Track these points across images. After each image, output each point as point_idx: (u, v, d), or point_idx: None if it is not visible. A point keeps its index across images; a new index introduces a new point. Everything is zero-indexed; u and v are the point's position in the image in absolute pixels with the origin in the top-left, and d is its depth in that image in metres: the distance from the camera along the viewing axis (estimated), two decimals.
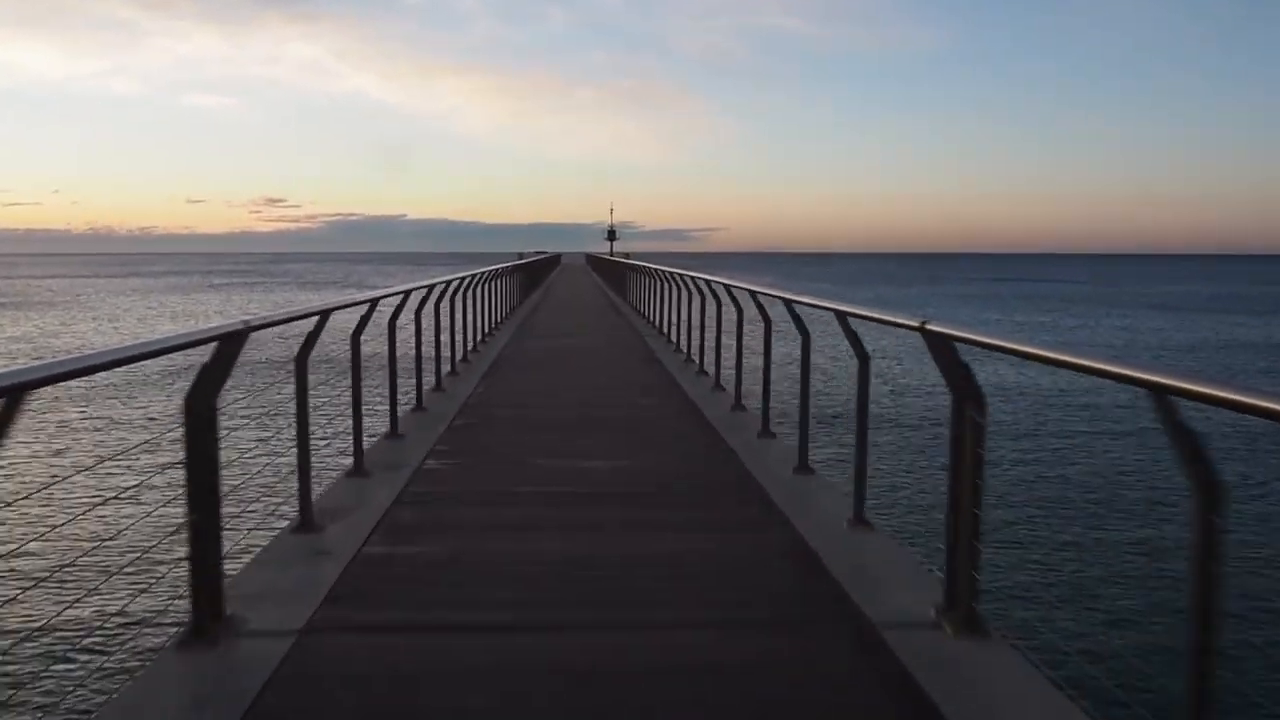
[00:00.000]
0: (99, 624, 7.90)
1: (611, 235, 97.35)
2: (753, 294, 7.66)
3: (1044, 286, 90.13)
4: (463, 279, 11.31)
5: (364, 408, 6.07)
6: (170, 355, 3.40)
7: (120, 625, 7.73)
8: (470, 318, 12.34)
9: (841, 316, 4.99)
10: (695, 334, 11.33)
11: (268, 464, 8.08)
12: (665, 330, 15.13)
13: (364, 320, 6.02)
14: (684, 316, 12.44)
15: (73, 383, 2.82)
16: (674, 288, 13.79)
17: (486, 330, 14.54)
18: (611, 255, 63.27)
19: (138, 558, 8.40)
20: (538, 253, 54.17)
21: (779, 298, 6.50)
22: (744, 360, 8.53)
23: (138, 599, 7.72)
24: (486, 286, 14.61)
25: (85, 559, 9.25)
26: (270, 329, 4.07)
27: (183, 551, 3.48)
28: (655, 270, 16.64)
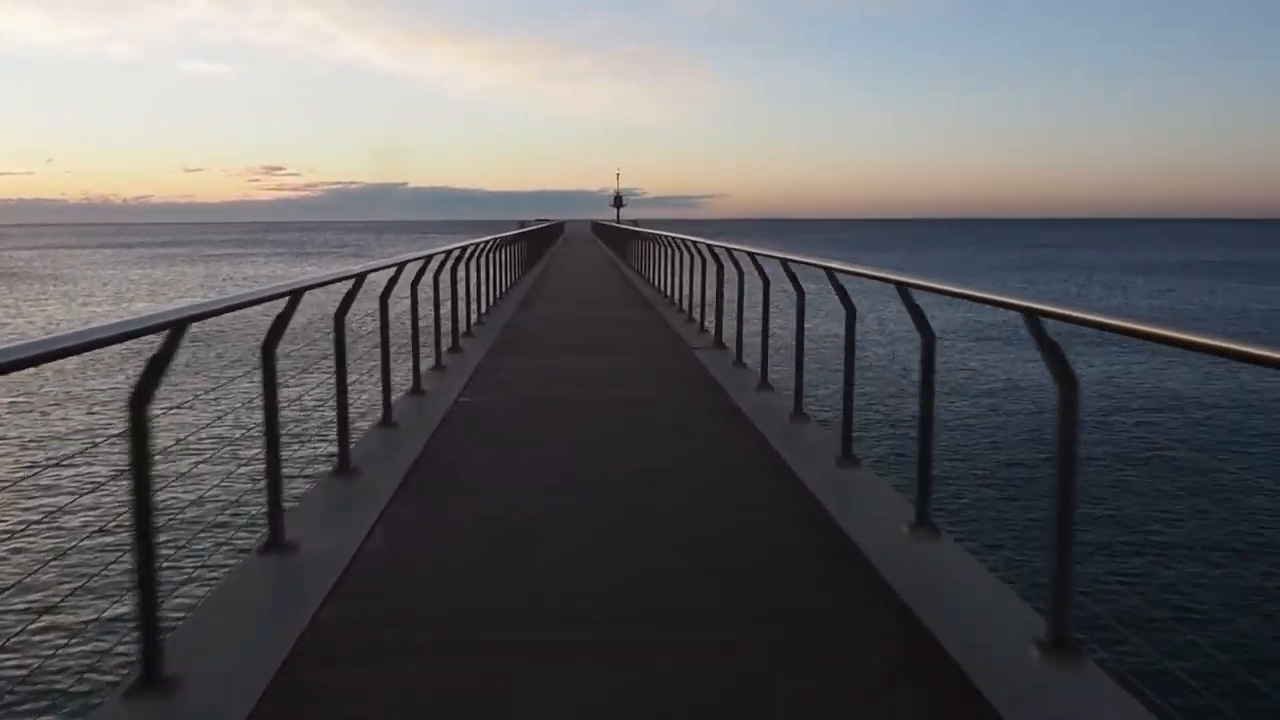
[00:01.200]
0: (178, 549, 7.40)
1: (618, 201, 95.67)
2: (785, 264, 7.27)
3: (1063, 254, 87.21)
4: (450, 253, 9.91)
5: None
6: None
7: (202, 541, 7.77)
8: (446, 309, 9.98)
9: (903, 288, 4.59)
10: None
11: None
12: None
13: (349, 298, 5.44)
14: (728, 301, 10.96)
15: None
16: (713, 264, 11.12)
17: (466, 327, 11.59)
18: (618, 222, 60.98)
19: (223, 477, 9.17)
20: (539, 221, 50.55)
21: (822, 266, 5.91)
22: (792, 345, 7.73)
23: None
24: (478, 261, 12.64)
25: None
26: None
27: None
28: (679, 240, 14.04)
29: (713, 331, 11.01)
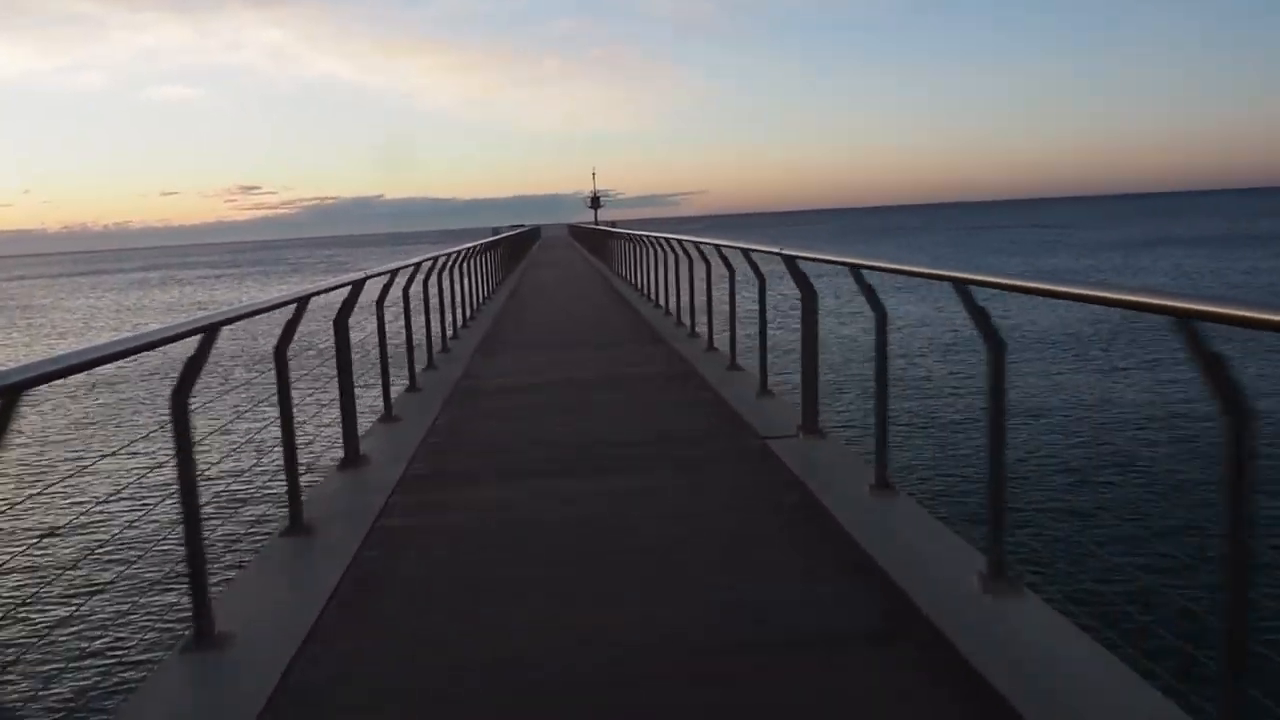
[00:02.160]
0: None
1: (595, 202, 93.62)
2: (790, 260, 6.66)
3: (1066, 233, 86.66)
4: (408, 269, 8.82)
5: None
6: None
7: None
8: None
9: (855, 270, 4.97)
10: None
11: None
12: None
13: (291, 326, 4.81)
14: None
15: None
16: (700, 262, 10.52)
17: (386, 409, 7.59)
18: (596, 224, 58.68)
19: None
20: (514, 227, 49.88)
21: (845, 263, 5.90)
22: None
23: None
24: (426, 287, 10.56)
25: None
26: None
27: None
28: (660, 240, 13.51)
29: (708, 336, 10.11)
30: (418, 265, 8.95)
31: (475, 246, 15.34)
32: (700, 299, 10.34)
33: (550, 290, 21.10)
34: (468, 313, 14.09)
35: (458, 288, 13.08)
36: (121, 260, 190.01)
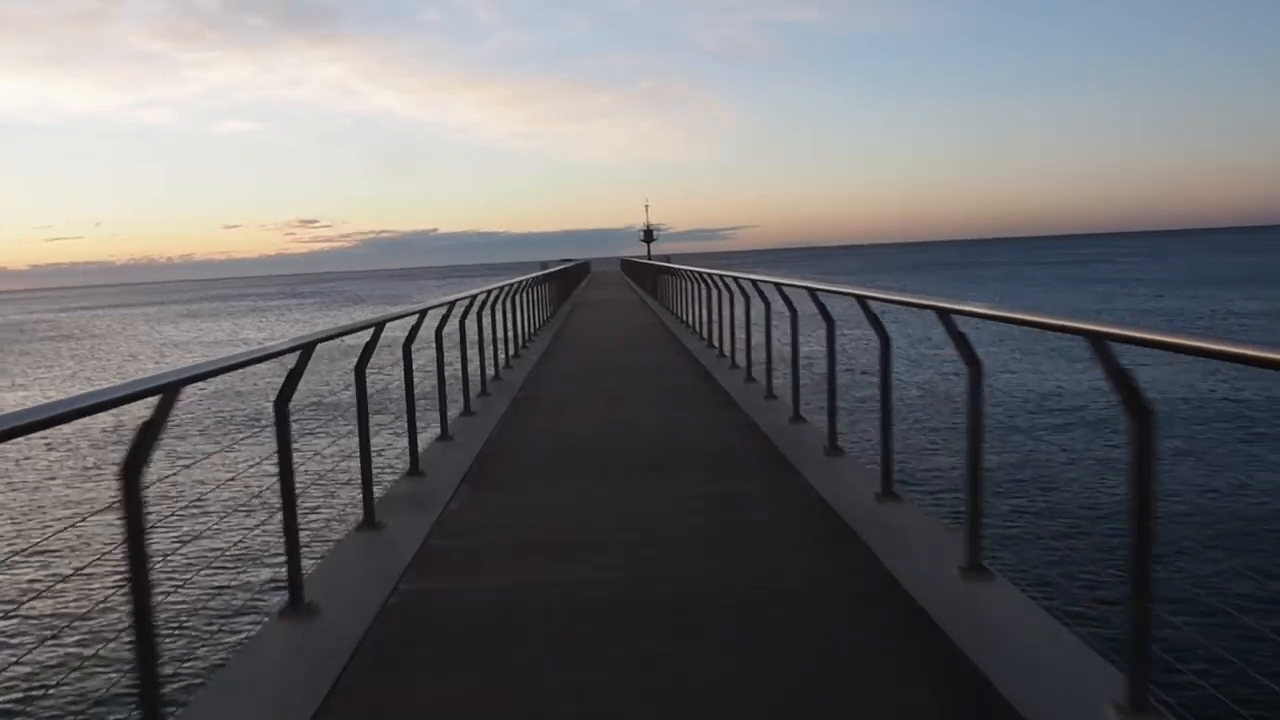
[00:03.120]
0: None
1: (648, 236, 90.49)
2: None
3: (1122, 269, 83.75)
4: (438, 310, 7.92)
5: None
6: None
7: None
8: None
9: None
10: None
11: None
12: None
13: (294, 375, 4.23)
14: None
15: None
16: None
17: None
18: (649, 259, 54.14)
19: None
20: (563, 261, 46.60)
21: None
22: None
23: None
24: (482, 315, 10.44)
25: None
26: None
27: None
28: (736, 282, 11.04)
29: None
30: (450, 305, 8.35)
31: (510, 286, 12.92)
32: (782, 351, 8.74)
33: (596, 349, 15.43)
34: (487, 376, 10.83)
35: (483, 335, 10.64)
36: (183, 291, 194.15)
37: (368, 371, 5.36)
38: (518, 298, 14.47)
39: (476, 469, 6.73)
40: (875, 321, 5.44)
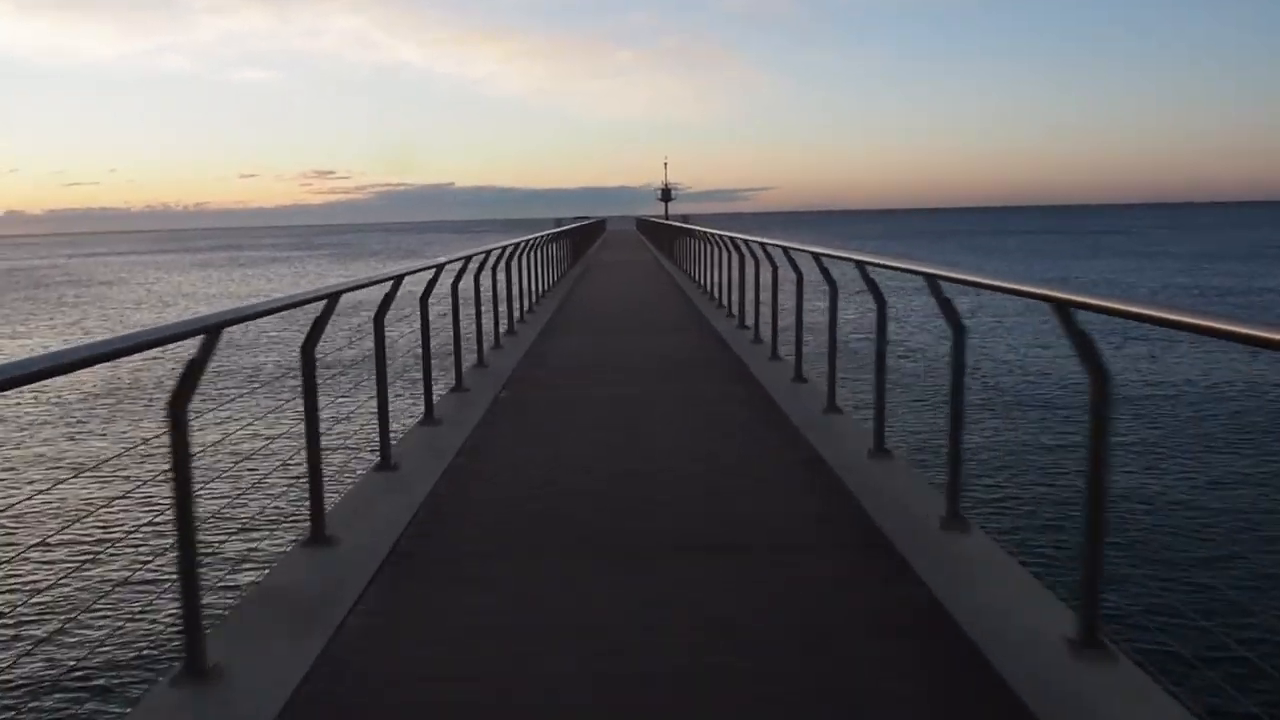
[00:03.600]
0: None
1: (666, 195, 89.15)
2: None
3: (1139, 240, 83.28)
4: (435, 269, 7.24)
5: None
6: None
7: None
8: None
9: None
10: None
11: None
12: None
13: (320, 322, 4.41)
14: None
15: None
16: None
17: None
18: (667, 218, 52.18)
19: None
20: (578, 219, 44.12)
21: (852, 259, 5.94)
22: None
23: None
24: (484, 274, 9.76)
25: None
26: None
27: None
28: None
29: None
30: (439, 268, 7.40)
31: (510, 247, 11.55)
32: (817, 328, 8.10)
33: (605, 329, 13.06)
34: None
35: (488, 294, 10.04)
36: (197, 239, 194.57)
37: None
38: (522, 258, 13.02)
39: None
40: (872, 286, 5.75)
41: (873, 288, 5.74)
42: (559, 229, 23.61)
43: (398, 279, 5.90)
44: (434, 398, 7.11)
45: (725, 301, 13.76)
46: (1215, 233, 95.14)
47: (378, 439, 5.71)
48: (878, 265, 5.61)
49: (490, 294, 10.40)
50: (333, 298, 4.38)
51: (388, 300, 5.77)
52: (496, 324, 10.87)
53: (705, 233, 16.62)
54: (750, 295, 11.46)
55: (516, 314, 12.50)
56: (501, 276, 11.02)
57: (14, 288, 55.18)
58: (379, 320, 5.66)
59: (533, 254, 14.73)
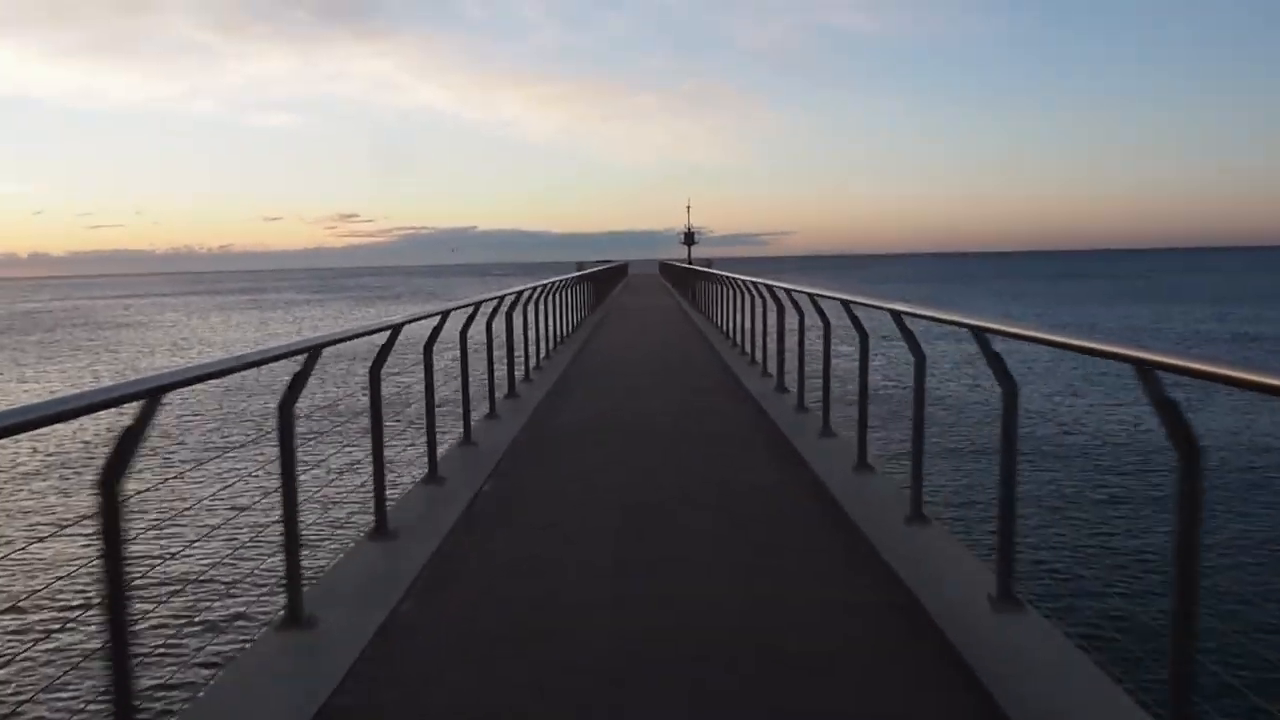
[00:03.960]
0: None
1: (689, 239, 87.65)
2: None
3: (1184, 284, 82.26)
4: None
5: None
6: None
7: None
8: None
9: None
10: None
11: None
12: None
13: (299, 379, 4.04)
14: None
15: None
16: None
17: None
18: (690, 263, 52.15)
19: None
20: (600, 262, 44.23)
21: (888, 309, 5.49)
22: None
23: None
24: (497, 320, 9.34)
25: None
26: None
27: None
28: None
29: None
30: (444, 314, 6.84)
31: (526, 292, 10.85)
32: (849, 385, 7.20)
33: (622, 389, 11.41)
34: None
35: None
36: (222, 281, 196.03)
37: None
38: (538, 304, 12.21)
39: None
40: (910, 338, 5.28)
41: (996, 365, 4.09)
42: (580, 272, 22.71)
43: (395, 328, 5.39)
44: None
45: (758, 357, 12.23)
46: (1231, 275, 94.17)
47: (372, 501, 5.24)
48: (920, 316, 5.11)
49: (500, 342, 9.46)
50: (313, 352, 3.96)
51: (384, 351, 5.31)
52: (492, 388, 9.07)
53: (732, 279, 15.25)
54: (794, 354, 9.54)
55: (521, 371, 10.92)
56: (515, 322, 10.19)
57: (34, 328, 55.26)
58: (374, 374, 5.19)
59: (546, 300, 13.49)
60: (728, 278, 16.40)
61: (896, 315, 5.30)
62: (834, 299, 7.18)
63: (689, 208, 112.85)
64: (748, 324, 13.31)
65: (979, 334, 4.02)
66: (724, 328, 17.19)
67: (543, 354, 12.96)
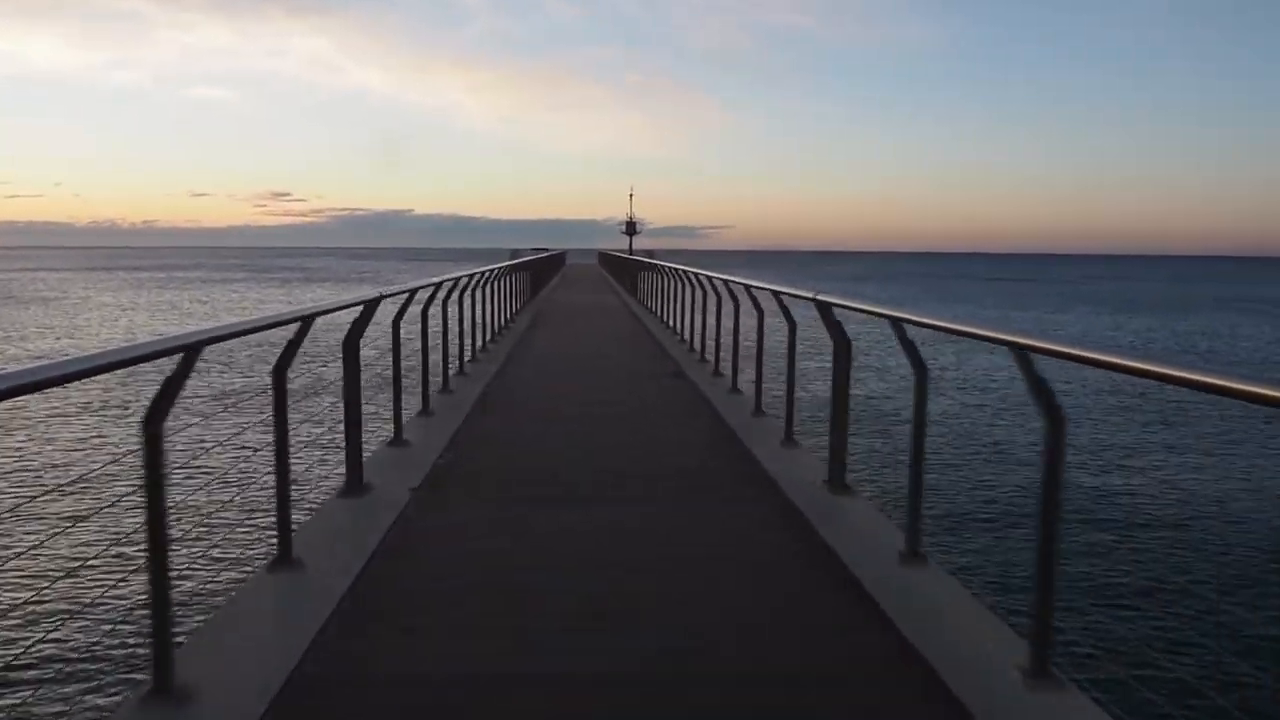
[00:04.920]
0: None
1: (631, 228, 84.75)
2: None
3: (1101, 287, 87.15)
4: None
5: None
6: None
7: None
8: None
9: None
10: None
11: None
12: None
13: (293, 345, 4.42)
14: None
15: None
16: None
17: None
18: (631, 253, 48.69)
19: None
20: (536, 250, 40.99)
21: (816, 301, 6.10)
22: None
23: None
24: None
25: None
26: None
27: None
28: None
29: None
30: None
31: (437, 287, 9.06)
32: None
33: (565, 381, 10.96)
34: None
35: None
36: (141, 258, 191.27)
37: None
38: (452, 303, 9.88)
39: None
40: (837, 328, 5.91)
41: (910, 351, 4.58)
42: (515, 260, 20.99)
43: (373, 302, 5.82)
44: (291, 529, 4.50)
45: (724, 368, 10.72)
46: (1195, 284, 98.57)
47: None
48: (848, 308, 5.70)
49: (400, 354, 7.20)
50: (307, 320, 4.48)
51: (359, 324, 5.75)
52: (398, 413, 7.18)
53: (686, 271, 13.68)
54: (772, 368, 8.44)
55: (420, 402, 8.43)
56: (432, 323, 8.70)
57: None
58: (348, 344, 5.69)
59: (465, 296, 10.94)
60: (678, 270, 14.63)
61: (824, 306, 5.95)
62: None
63: (631, 195, 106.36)
64: (696, 321, 12.67)
65: (896, 323, 4.66)
66: (668, 323, 16.51)
67: (443, 382, 9.69)
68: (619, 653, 3.62)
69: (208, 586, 8.02)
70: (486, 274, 12.96)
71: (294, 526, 4.49)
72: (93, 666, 7.15)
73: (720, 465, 6.85)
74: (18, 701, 6.78)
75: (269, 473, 4.38)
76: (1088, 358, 3.02)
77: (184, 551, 8.65)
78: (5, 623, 7.93)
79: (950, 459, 14.64)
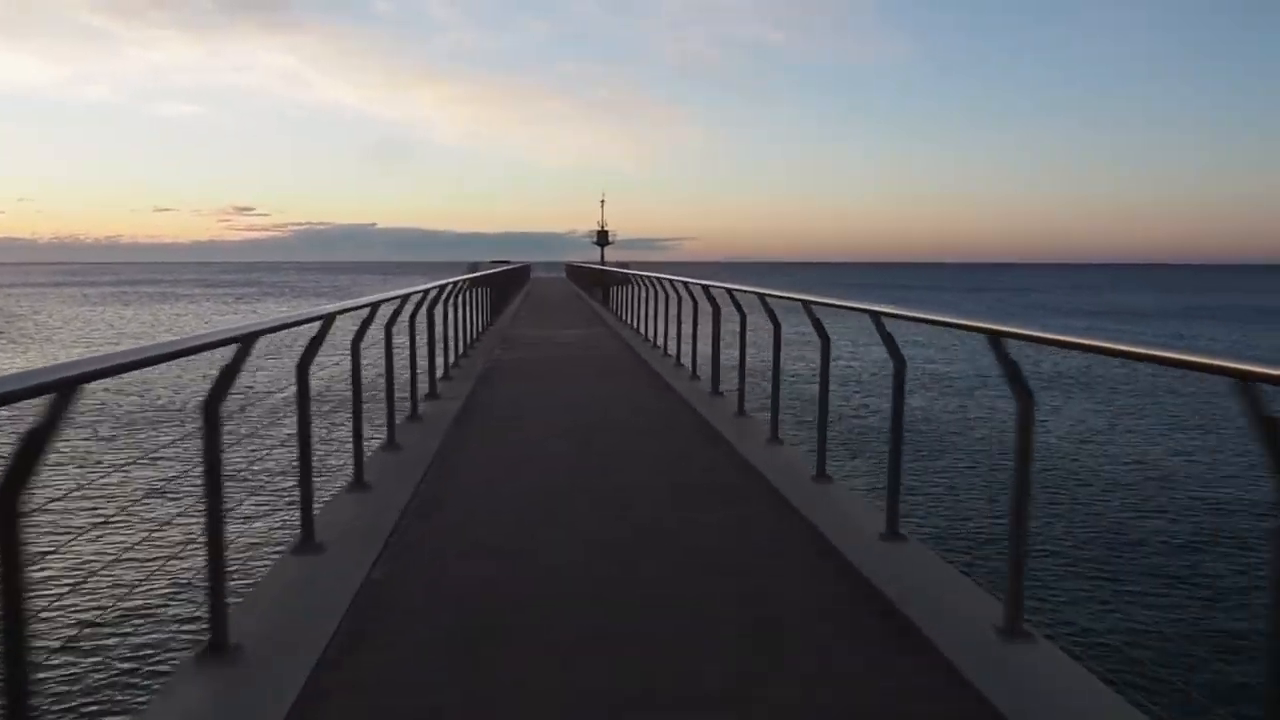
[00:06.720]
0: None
1: (603, 238, 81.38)
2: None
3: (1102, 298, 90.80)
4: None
5: None
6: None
7: None
8: None
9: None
10: None
11: None
12: None
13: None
14: None
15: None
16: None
17: None
18: (603, 264, 45.73)
19: None
20: (497, 263, 36.88)
21: (798, 299, 6.49)
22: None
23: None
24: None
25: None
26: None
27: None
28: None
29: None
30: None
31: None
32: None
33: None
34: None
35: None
36: (102, 274, 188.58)
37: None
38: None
39: None
40: (819, 327, 6.33)
41: (889, 343, 4.89)
42: (475, 273, 17.90)
43: (328, 318, 4.85)
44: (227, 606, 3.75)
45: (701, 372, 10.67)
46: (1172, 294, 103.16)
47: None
48: (830, 305, 6.11)
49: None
50: (246, 340, 3.57)
51: (314, 344, 4.76)
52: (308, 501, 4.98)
53: (673, 282, 12.31)
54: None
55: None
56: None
57: None
58: (303, 369, 4.66)
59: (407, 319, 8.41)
60: (667, 281, 13.00)
61: (805, 304, 6.42)
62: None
63: (603, 203, 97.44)
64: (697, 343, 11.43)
65: (875, 318, 5.04)
66: (661, 348, 14.15)
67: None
68: (626, 667, 3.51)
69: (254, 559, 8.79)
70: (433, 294, 9.34)
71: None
72: (153, 628, 7.89)
73: (713, 463, 7.07)
74: (98, 659, 7.46)
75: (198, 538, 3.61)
76: (1054, 339, 3.45)
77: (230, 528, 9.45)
78: (87, 586, 8.76)
79: (928, 444, 16.17)
